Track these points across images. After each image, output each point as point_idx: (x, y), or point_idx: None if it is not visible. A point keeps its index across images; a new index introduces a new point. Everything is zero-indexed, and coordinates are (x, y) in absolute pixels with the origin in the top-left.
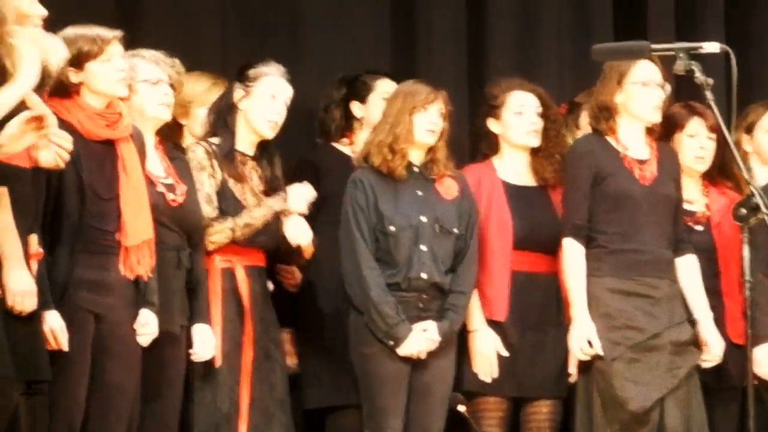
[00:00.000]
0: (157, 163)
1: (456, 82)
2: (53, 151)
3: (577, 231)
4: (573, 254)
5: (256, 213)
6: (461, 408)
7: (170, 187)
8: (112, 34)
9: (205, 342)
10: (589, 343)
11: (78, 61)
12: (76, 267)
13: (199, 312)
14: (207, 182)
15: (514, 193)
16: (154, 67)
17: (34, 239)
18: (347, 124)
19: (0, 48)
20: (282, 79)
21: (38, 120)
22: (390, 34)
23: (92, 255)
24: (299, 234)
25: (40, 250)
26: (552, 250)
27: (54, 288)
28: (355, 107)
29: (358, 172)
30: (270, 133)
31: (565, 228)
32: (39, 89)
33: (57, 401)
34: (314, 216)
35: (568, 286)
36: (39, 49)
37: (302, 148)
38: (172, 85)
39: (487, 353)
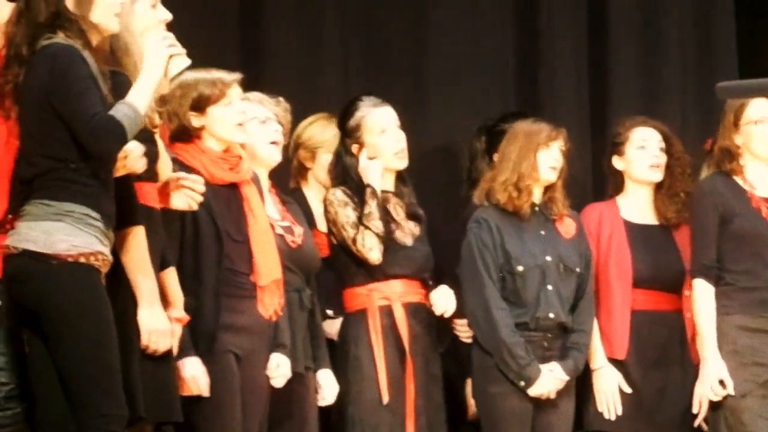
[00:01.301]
0: (272, 207)
1: (578, 120)
2: (184, 194)
3: (707, 271)
4: (703, 294)
5: None
6: None
7: (288, 229)
8: (232, 77)
9: (330, 387)
10: (721, 382)
11: (199, 105)
12: (221, 312)
13: (322, 357)
14: (353, 214)
15: (636, 231)
16: (260, 107)
17: (179, 300)
18: None
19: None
20: (379, 108)
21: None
22: (513, 72)
23: (232, 298)
24: (445, 304)
25: (186, 315)
26: (674, 288)
27: (203, 335)
28: None
29: (481, 211)
30: (403, 164)
31: (694, 268)
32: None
33: None
34: None
35: (698, 325)
36: (164, 50)
37: (435, 187)
38: (279, 123)
39: (610, 391)
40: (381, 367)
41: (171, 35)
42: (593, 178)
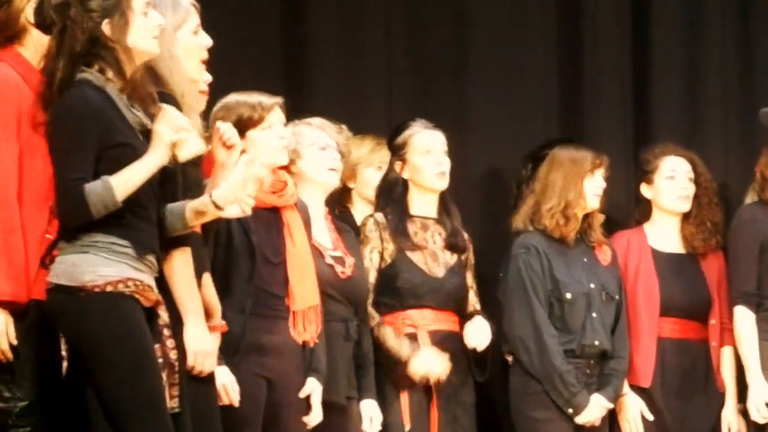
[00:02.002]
0: (325, 234)
1: (621, 146)
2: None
3: (748, 298)
4: (745, 321)
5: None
6: None
7: (339, 260)
8: (273, 101)
9: (373, 419)
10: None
11: (239, 128)
12: (248, 329)
13: (368, 387)
14: (367, 255)
15: (663, 260)
16: (321, 133)
17: (218, 311)
18: None
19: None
20: (428, 130)
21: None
22: (556, 98)
23: (263, 318)
24: (478, 339)
25: (224, 323)
26: (700, 317)
27: (226, 349)
28: None
29: (527, 237)
30: (442, 185)
31: (734, 296)
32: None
33: None
34: None
35: (741, 351)
36: (171, 134)
37: (476, 212)
38: (340, 151)
39: (633, 418)
40: (403, 395)
41: (183, 118)
42: (636, 205)
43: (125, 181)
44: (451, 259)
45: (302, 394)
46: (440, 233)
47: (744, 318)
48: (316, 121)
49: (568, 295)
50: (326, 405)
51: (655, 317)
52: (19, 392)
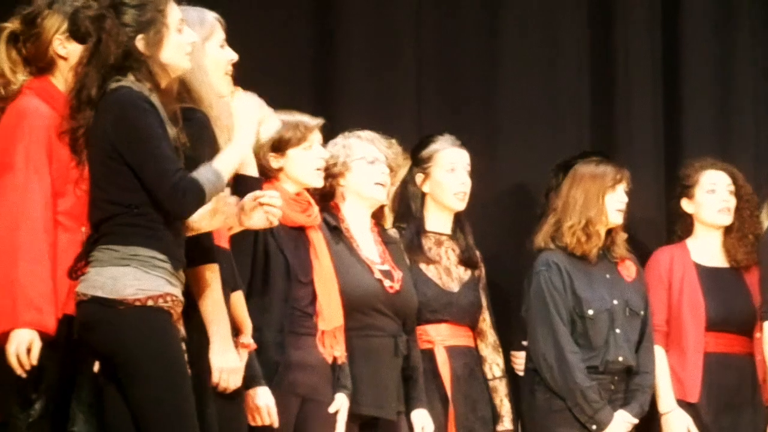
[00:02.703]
0: (372, 248)
1: (653, 160)
2: (263, 212)
3: None
4: None
5: None
6: None
7: (387, 274)
8: (315, 122)
9: (425, 428)
10: None
11: (280, 146)
12: (285, 348)
13: (418, 397)
14: None
15: (707, 274)
16: (370, 146)
17: (248, 329)
18: None
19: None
20: (455, 148)
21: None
22: (587, 112)
23: (297, 336)
24: None
25: (253, 342)
26: (745, 331)
27: (266, 369)
28: None
29: (548, 253)
30: (460, 206)
31: (764, 310)
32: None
33: None
34: None
35: None
36: (255, 114)
37: (506, 226)
38: (389, 166)
39: None
40: None
41: (259, 98)
42: (667, 219)
43: (226, 165)
44: (464, 274)
45: (332, 410)
46: (453, 249)
47: None
48: (366, 134)
49: (590, 312)
50: (377, 422)
51: (700, 332)
52: (35, 406)
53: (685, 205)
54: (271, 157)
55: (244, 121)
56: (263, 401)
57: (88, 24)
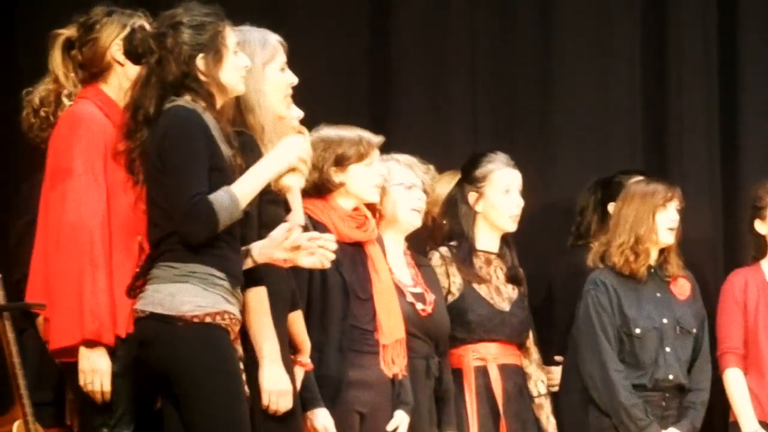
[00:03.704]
0: (405, 271)
1: (708, 179)
2: (317, 253)
3: None
4: None
5: None
6: None
7: (419, 297)
8: (377, 140)
9: None
10: None
11: (341, 161)
12: (346, 368)
13: (449, 420)
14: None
15: None
16: (408, 172)
17: (307, 348)
18: (604, 226)
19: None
20: (509, 168)
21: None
22: (641, 131)
23: (357, 354)
24: None
25: (309, 362)
26: None
27: (326, 388)
28: (612, 208)
29: (598, 273)
30: (513, 227)
31: None
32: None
33: None
34: None
35: None
36: (296, 155)
37: (558, 243)
38: (424, 191)
39: None
40: (473, 428)
41: (310, 150)
42: (724, 239)
43: (246, 190)
44: (512, 293)
45: (390, 427)
46: (501, 268)
47: None
48: (405, 158)
49: (638, 331)
50: None
51: None
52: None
53: (758, 226)
54: (332, 171)
55: (281, 155)
56: (321, 423)
57: (150, 41)
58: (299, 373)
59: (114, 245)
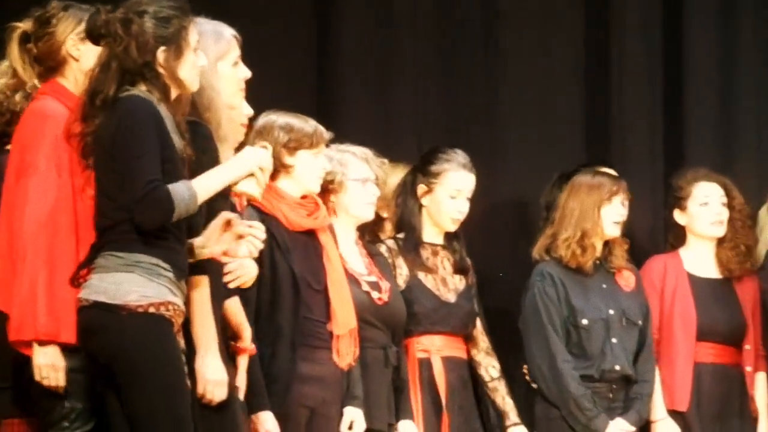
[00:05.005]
0: (358, 260)
1: (650, 170)
2: (246, 242)
3: None
4: None
5: None
6: None
7: (374, 285)
8: (328, 135)
9: None
10: None
11: (294, 145)
12: (296, 362)
13: (406, 409)
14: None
15: (699, 285)
16: (364, 166)
17: (247, 333)
18: None
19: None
20: (464, 171)
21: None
22: (584, 127)
23: (308, 348)
24: None
25: (252, 346)
26: (736, 341)
27: (277, 385)
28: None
29: (544, 264)
30: (452, 228)
31: None
32: None
33: None
34: None
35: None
36: (257, 164)
37: (505, 237)
38: (377, 185)
39: None
40: (417, 419)
41: (270, 163)
42: (665, 228)
43: (204, 189)
44: (459, 283)
45: (344, 425)
46: (448, 258)
47: None
48: (361, 152)
49: (585, 322)
50: None
51: (691, 342)
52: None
53: (678, 216)
54: (283, 152)
55: (242, 161)
56: (265, 428)
57: (117, 25)
58: (243, 361)
59: (80, 242)
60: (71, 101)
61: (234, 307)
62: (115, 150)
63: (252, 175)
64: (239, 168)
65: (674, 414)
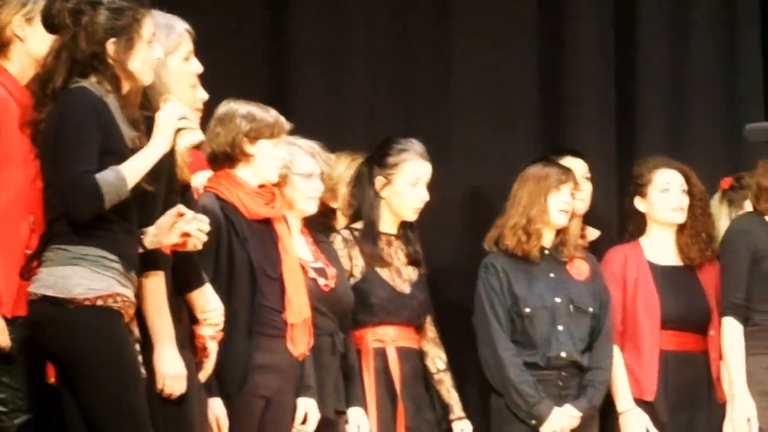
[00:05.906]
0: (304, 248)
1: (604, 158)
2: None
3: (736, 310)
4: (732, 333)
5: None
6: None
7: (321, 272)
8: (288, 126)
9: (360, 426)
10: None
11: (255, 135)
12: (252, 351)
13: (355, 396)
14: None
15: (661, 273)
16: (310, 161)
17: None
18: None
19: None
20: (421, 160)
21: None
22: (537, 112)
23: (264, 337)
24: None
25: (218, 329)
26: (700, 328)
27: (233, 373)
28: None
29: (489, 257)
30: (413, 217)
31: (723, 307)
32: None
33: None
34: None
35: (727, 364)
36: (174, 122)
37: (455, 228)
38: (322, 179)
39: None
40: (371, 409)
41: (186, 108)
42: (618, 216)
43: (134, 169)
44: (413, 274)
45: (299, 416)
46: (402, 249)
47: (732, 329)
48: (308, 145)
49: (527, 310)
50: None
51: (656, 330)
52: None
53: (638, 203)
54: (244, 140)
55: (161, 128)
56: (214, 413)
57: (66, 15)
58: (213, 346)
59: (6, 223)
60: (11, 83)
61: (201, 296)
62: (55, 140)
63: (180, 130)
64: (163, 135)
65: (642, 403)
